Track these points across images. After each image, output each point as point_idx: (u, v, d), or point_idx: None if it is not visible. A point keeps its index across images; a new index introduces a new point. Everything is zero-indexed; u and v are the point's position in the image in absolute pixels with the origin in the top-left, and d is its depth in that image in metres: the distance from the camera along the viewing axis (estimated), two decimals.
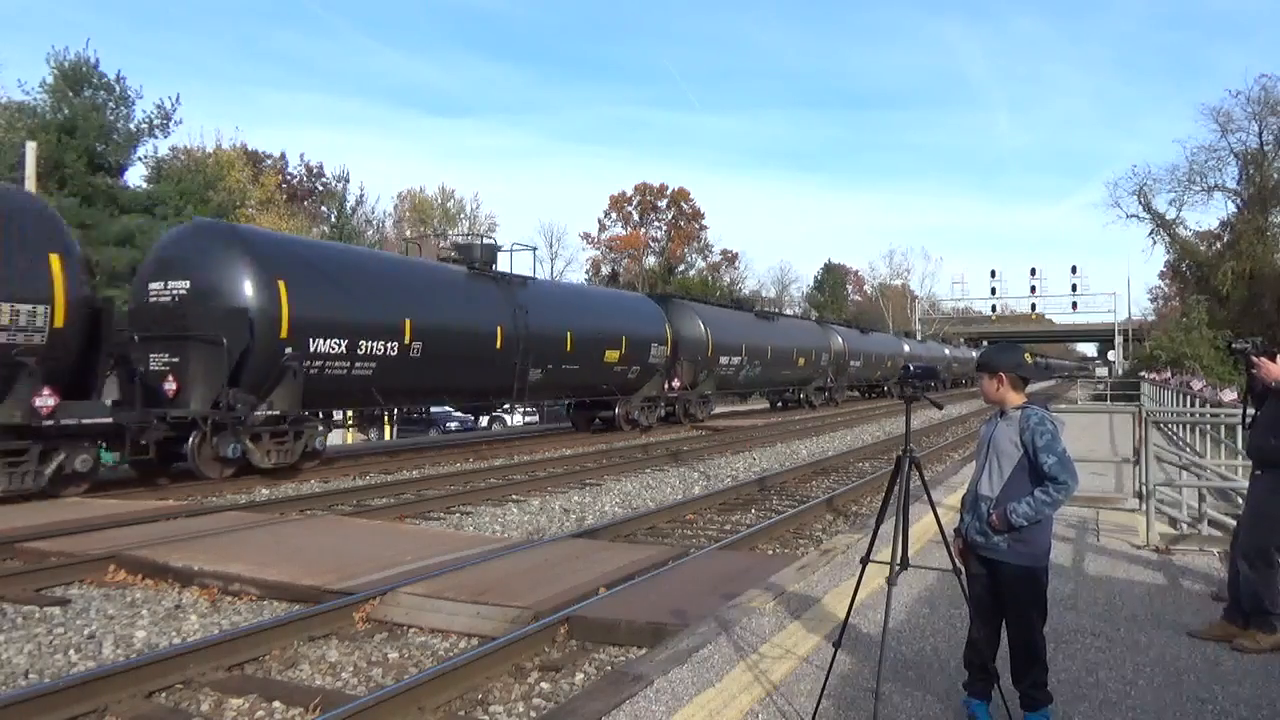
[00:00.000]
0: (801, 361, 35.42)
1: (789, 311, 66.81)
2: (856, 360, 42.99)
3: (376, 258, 19.84)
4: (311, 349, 14.62)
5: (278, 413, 14.27)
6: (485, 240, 22.80)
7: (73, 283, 11.95)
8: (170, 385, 13.52)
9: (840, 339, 41.27)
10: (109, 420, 12.27)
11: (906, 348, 54.48)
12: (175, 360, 13.75)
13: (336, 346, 15.07)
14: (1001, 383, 4.01)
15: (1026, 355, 4.18)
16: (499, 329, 18.82)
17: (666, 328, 25.67)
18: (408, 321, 16.40)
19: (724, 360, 28.83)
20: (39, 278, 11.51)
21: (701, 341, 27.41)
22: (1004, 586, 3.94)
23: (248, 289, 13.88)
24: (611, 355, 22.76)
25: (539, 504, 12.98)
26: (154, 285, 14.24)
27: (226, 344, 13.39)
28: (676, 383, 26.41)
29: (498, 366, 18.99)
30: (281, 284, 14.18)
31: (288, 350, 14.23)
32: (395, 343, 16.13)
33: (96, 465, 12.31)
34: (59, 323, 11.74)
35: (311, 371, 14.69)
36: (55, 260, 11.72)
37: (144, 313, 14.26)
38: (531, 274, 22.39)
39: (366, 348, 15.63)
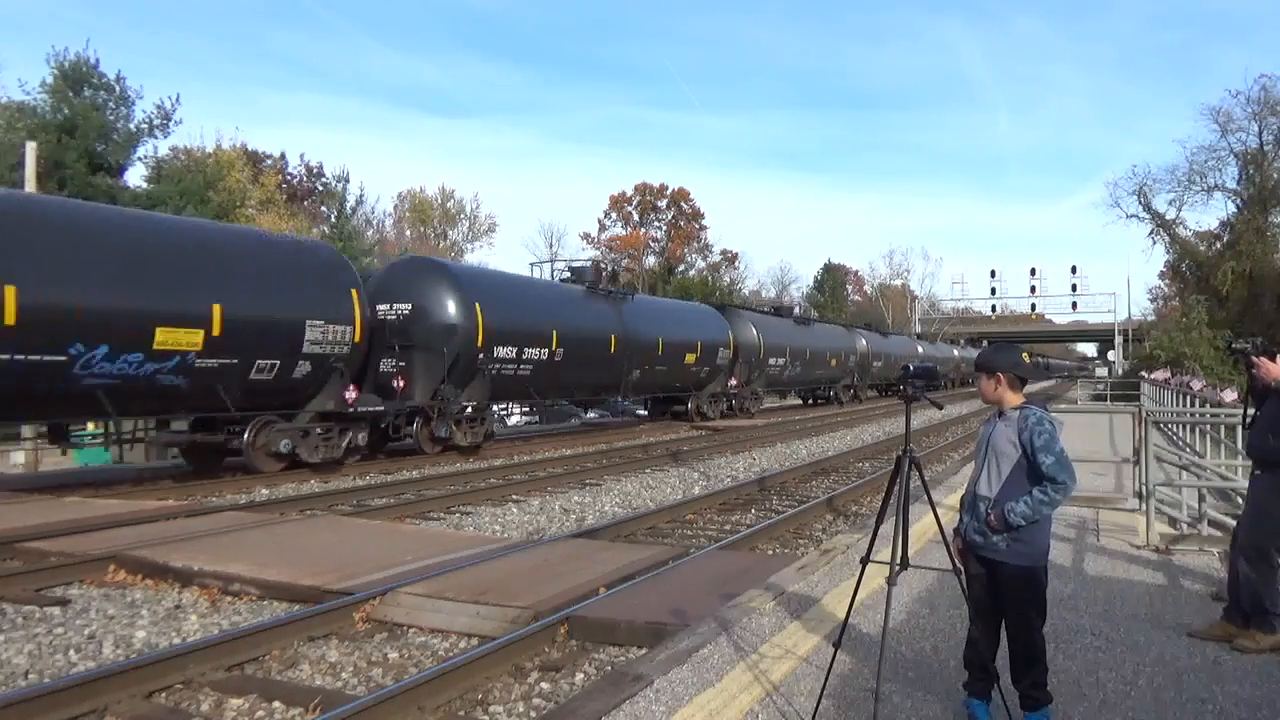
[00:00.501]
0: (833, 362, 39.50)
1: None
2: (879, 361, 46.36)
3: (534, 282, 23.98)
4: (495, 355, 18.80)
5: (474, 404, 18.66)
6: (589, 263, 26.99)
7: (364, 309, 16.27)
8: (399, 383, 17.45)
9: (864, 341, 44.82)
10: (382, 408, 16.66)
11: (920, 349, 58.07)
12: (402, 364, 17.59)
13: (510, 353, 19.21)
14: (1000, 383, 4.02)
15: (1024, 355, 4.18)
16: (612, 337, 22.84)
17: (729, 334, 29.64)
18: (555, 332, 20.49)
19: (772, 361, 32.85)
20: (346, 305, 15.86)
21: (755, 345, 31.30)
22: (1003, 586, 3.94)
23: (455, 310, 18.07)
24: (690, 358, 26.84)
25: (539, 504, 12.98)
26: (381, 306, 18.06)
27: (444, 351, 17.60)
28: (734, 381, 29.96)
29: (610, 367, 23.09)
30: (478, 305, 18.30)
31: (480, 356, 18.38)
32: (545, 349, 20.22)
33: (366, 441, 16.60)
34: (357, 338, 16.02)
35: (493, 372, 18.89)
36: (354, 293, 16.07)
37: (375, 328, 17.77)
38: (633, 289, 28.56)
39: (528, 353, 19.77)
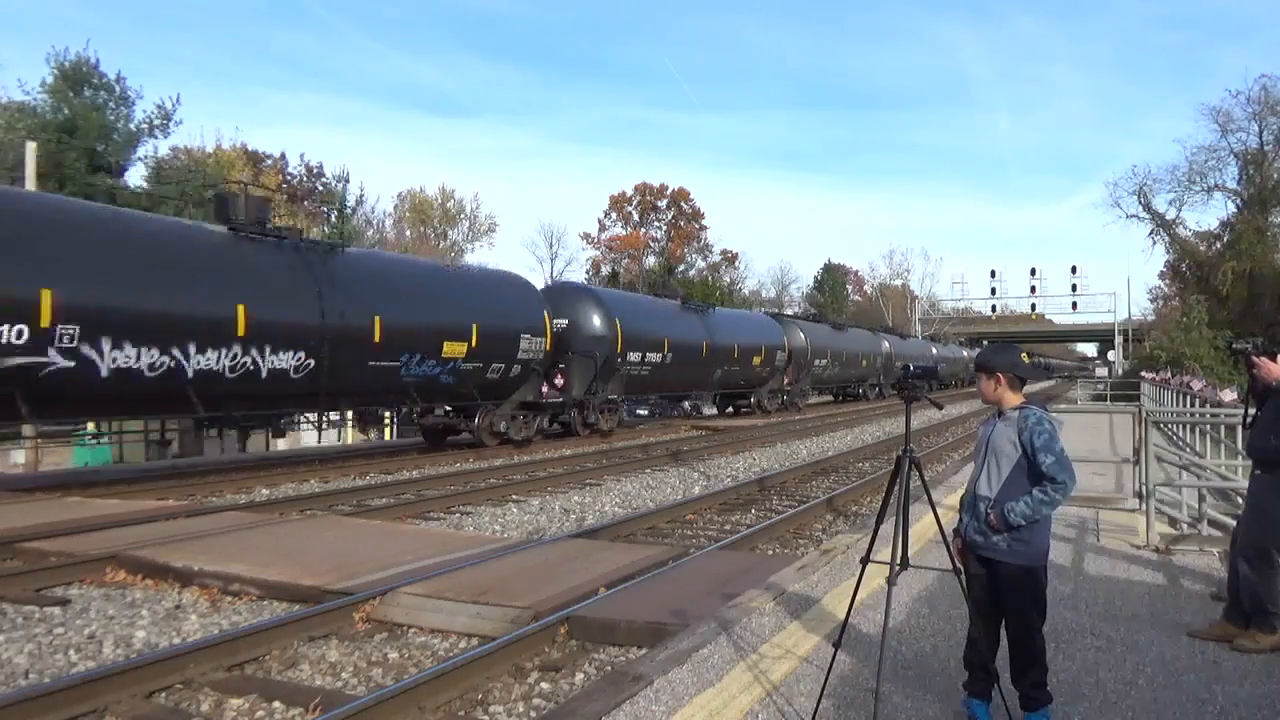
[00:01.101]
0: (864, 363, 44.72)
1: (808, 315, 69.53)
2: (899, 361, 50.23)
3: (652, 300, 29.84)
4: (628, 359, 24.02)
5: (614, 397, 24.18)
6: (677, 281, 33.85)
7: (552, 324, 21.28)
8: (559, 381, 22.16)
9: (888, 344, 49.94)
10: (561, 400, 21.97)
11: (934, 350, 62.73)
12: (563, 366, 22.18)
13: (637, 357, 24.43)
14: (999, 383, 4.02)
15: (1024, 355, 4.18)
16: (704, 344, 28.15)
17: (785, 339, 34.76)
18: (666, 340, 25.85)
19: (818, 363, 38.19)
20: (540, 322, 20.77)
21: (804, 349, 36.47)
22: (1003, 586, 3.94)
23: (601, 324, 23.30)
24: (757, 360, 32.14)
25: (539, 504, 12.98)
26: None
27: (596, 356, 22.76)
28: (787, 379, 35.29)
29: (700, 369, 28.53)
30: (618, 320, 23.54)
31: (619, 359, 23.50)
32: (660, 354, 25.52)
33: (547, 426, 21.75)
34: (548, 347, 20.95)
35: (628, 372, 24.30)
36: (545, 314, 21.10)
37: None
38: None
39: (650, 357, 25.05)
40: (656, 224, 77.76)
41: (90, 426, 16.40)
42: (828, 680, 4.19)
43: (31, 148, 22.31)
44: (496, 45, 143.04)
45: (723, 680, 4.54)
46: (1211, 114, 47.86)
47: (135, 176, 31.93)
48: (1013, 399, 4.01)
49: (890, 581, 3.81)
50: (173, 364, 12.86)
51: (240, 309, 13.75)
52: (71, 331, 11.54)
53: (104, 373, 12.03)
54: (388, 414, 22.18)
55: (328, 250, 16.40)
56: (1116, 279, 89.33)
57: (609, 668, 5.57)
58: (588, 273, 74.39)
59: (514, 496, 13.63)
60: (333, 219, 48.67)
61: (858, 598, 4.43)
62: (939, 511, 4.24)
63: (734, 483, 15.36)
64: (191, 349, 13.09)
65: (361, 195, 67.84)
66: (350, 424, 21.83)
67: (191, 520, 10.36)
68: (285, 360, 14.49)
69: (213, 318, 13.43)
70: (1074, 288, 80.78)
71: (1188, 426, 16.48)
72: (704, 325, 28.76)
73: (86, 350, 11.81)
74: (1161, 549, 7.81)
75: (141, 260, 12.73)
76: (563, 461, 18.29)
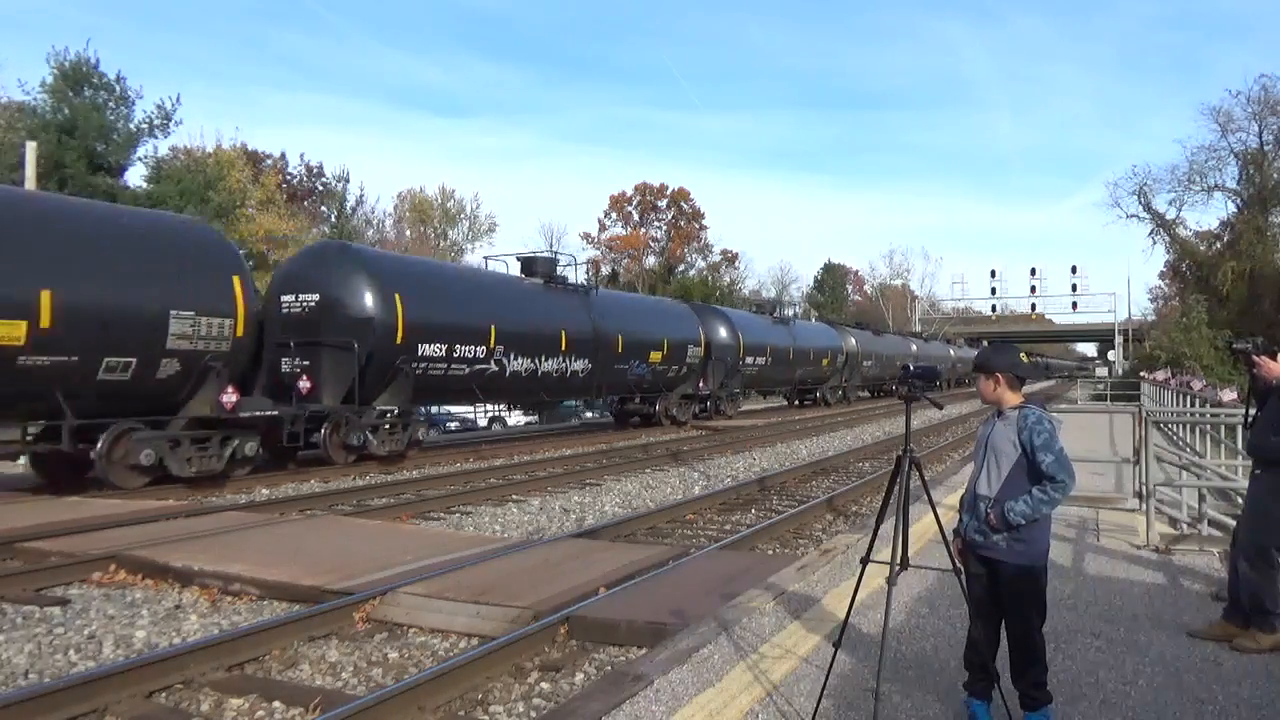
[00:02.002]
0: (898, 364, 47.83)
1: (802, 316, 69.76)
2: (963, 364, 58.34)
3: (758, 316, 36.07)
4: (745, 361, 30.59)
5: (737, 391, 31.79)
6: (772, 297, 37.50)
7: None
8: (702, 381, 28.16)
9: (914, 346, 55.96)
10: (708, 391, 26.29)
11: (952, 352, 65.94)
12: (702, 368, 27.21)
13: (750, 360, 31.48)
14: (999, 383, 4.02)
15: (1022, 355, 4.18)
16: (789, 349, 34.75)
17: (841, 343, 41.82)
18: (769, 346, 32.55)
19: (866, 363, 44.60)
20: (698, 335, 24.88)
21: (856, 352, 43.27)
22: (1003, 586, 3.94)
23: (728, 336, 29.82)
24: (825, 361, 39.47)
25: (539, 504, 12.98)
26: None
27: (726, 360, 29.43)
28: (844, 377, 42.55)
29: (788, 369, 35.44)
30: (740, 333, 29.92)
31: (740, 362, 30.02)
32: (764, 358, 32.15)
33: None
34: (703, 354, 25.34)
35: (744, 372, 31.20)
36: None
37: None
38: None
39: (757, 360, 32.09)
40: (656, 224, 77.74)
41: None
42: (828, 680, 4.19)
43: (31, 148, 22.29)
44: (497, 45, 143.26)
45: (723, 680, 4.54)
46: (1212, 114, 47.98)
47: (135, 176, 31.95)
48: (1012, 399, 4.01)
49: (890, 581, 3.81)
50: (535, 368, 20.51)
51: (562, 333, 21.43)
52: (500, 349, 19.20)
53: (508, 373, 19.63)
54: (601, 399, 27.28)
55: (586, 291, 23.87)
56: (1116, 279, 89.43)
57: (609, 668, 5.57)
58: (588, 273, 74.27)
59: (514, 496, 13.63)
60: (333, 219, 48.67)
61: (858, 598, 4.43)
62: (939, 511, 4.24)
63: (734, 483, 15.36)
64: (542, 359, 20.68)
65: (361, 195, 67.92)
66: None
67: (191, 520, 10.36)
68: (579, 365, 22.08)
69: (549, 338, 20.95)
70: (1074, 288, 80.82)
71: (1188, 426, 16.49)
72: (790, 335, 35.38)
73: (504, 360, 19.37)
74: (1161, 549, 7.81)
75: (518, 305, 20.54)
76: (563, 461, 18.29)
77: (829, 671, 4.20)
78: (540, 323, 20.83)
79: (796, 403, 41.85)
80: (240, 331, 14.02)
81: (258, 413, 14.33)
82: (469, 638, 6.28)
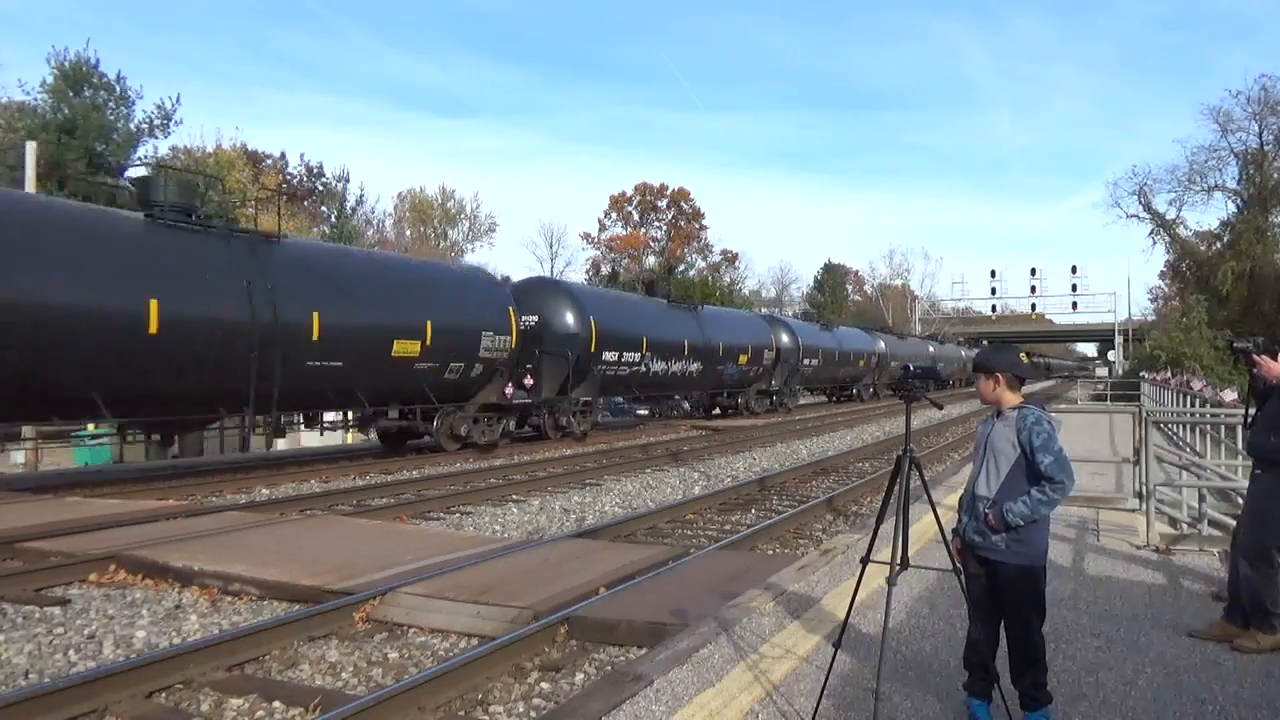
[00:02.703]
0: (861, 363, 49.39)
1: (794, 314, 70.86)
2: (941, 362, 59.71)
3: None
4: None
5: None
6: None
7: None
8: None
9: (932, 349, 61.58)
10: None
11: (963, 353, 69.02)
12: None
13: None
14: (998, 383, 4.02)
15: (1022, 355, 4.18)
16: (835, 351, 38.12)
17: (876, 345, 46.82)
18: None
19: (893, 363, 47.58)
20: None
21: (886, 354, 47.53)
22: (1002, 586, 3.94)
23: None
24: (862, 361, 44.18)
25: (539, 504, 12.98)
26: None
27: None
28: (874, 376, 46.94)
29: (834, 367, 37.73)
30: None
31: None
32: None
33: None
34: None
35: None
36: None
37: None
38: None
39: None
40: (656, 224, 77.76)
41: (90, 427, 16.37)
42: (828, 680, 4.19)
43: (31, 148, 22.29)
44: (497, 45, 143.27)
45: (723, 680, 4.54)
46: (1212, 114, 47.98)
47: (135, 176, 31.93)
48: (1011, 399, 4.01)
49: (890, 581, 3.81)
50: (667, 369, 26.40)
51: (685, 342, 27.30)
52: (650, 355, 24.88)
53: (650, 371, 25.19)
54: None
55: (697, 308, 30.37)
56: (1116, 279, 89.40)
57: (609, 668, 5.57)
58: (588, 273, 74.41)
59: (514, 496, 13.63)
60: (333, 219, 48.67)
61: (858, 598, 4.43)
62: (939, 511, 4.24)
63: (734, 483, 15.36)
64: (672, 361, 26.25)
65: (361, 195, 67.88)
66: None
67: (191, 520, 10.35)
68: (694, 367, 27.87)
69: (676, 346, 26.60)
70: (1074, 288, 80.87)
71: (1188, 426, 16.49)
72: (835, 338, 35.09)
73: (651, 362, 25.05)
74: (1161, 549, 7.81)
75: (659, 321, 26.41)
76: (563, 461, 18.29)
77: (829, 671, 4.20)
78: (669, 334, 26.43)
79: (835, 398, 47.49)
80: (514, 344, 19.79)
81: (520, 401, 20.42)
82: (469, 638, 6.27)
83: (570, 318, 22.15)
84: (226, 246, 14.32)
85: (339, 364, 15.52)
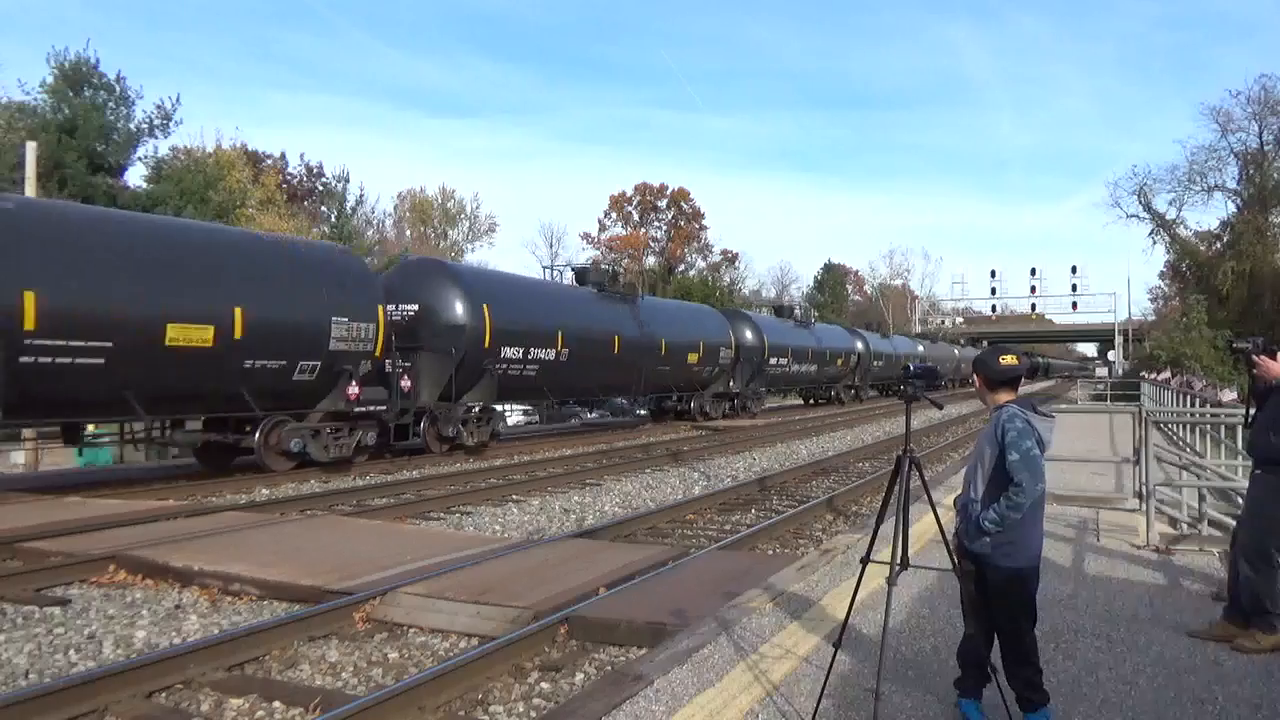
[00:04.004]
0: (839, 362, 46.70)
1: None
2: (965, 364, 61.64)
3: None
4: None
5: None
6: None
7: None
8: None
9: (956, 352, 65.54)
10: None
11: (956, 352, 69.00)
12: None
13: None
14: (980, 383, 4.14)
15: (1004, 359, 4.12)
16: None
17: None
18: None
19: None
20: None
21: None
22: (990, 588, 3.94)
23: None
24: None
25: (539, 504, 12.98)
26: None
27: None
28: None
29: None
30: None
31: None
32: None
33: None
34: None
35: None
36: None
37: None
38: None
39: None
40: (656, 224, 77.74)
41: (90, 428, 16.36)
42: (828, 680, 4.19)
43: (31, 148, 22.29)
44: (498, 45, 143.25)
45: (723, 680, 4.54)
46: (1212, 114, 47.98)
47: (135, 176, 31.96)
48: (996, 398, 4.03)
49: (890, 581, 3.81)
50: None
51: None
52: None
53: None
54: None
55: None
56: (1116, 279, 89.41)
57: (609, 668, 5.57)
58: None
59: (514, 496, 13.63)
60: (333, 219, 48.65)
61: (858, 598, 4.43)
62: (939, 511, 4.24)
63: (734, 483, 15.36)
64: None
65: (361, 195, 67.89)
66: None
67: (191, 520, 10.36)
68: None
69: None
70: (1074, 288, 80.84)
71: (1188, 426, 16.50)
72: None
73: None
74: (1161, 549, 7.81)
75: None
76: (563, 461, 18.28)
77: (829, 671, 4.20)
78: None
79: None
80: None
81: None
82: (469, 638, 6.28)
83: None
84: None
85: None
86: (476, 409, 18.88)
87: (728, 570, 7.65)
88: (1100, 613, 5.88)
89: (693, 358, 27.69)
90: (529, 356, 20.08)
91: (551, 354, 20.77)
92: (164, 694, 5.24)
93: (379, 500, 13.12)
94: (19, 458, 20.52)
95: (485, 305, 18.77)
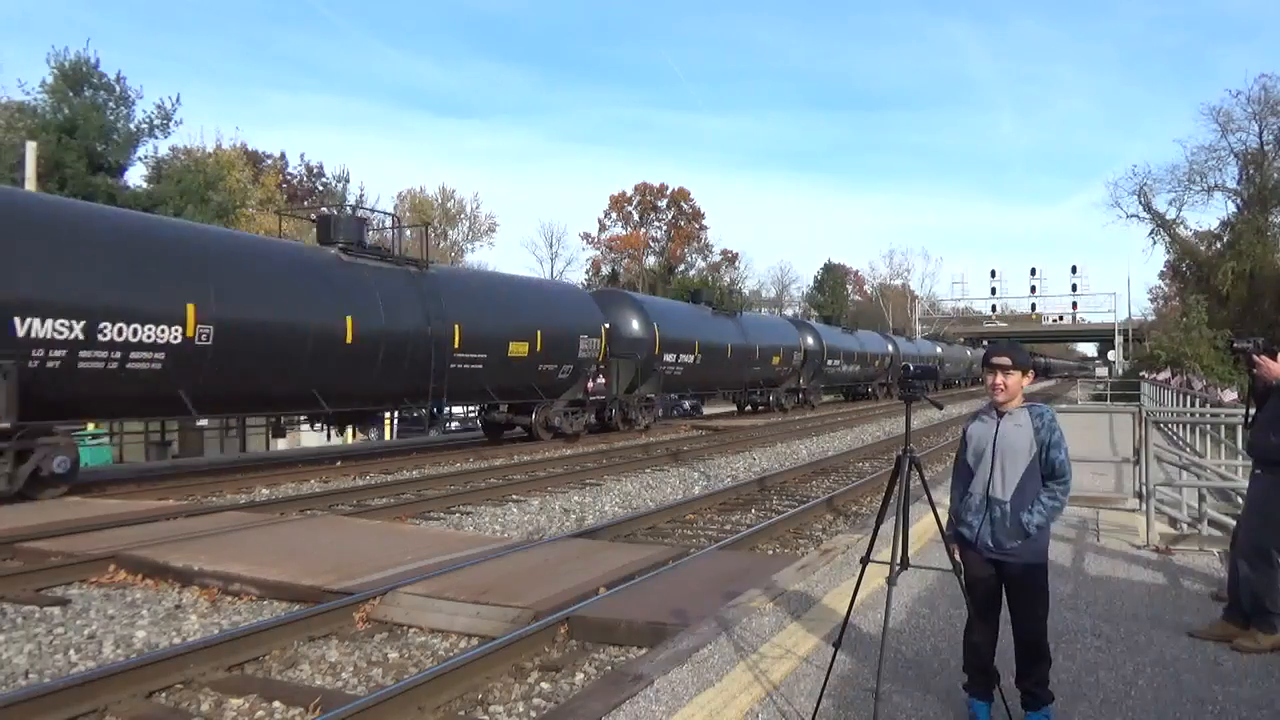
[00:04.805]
0: (878, 364, 51.01)
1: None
2: (948, 363, 64.29)
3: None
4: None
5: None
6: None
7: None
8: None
9: (939, 349, 64.20)
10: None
11: (969, 353, 72.08)
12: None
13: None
14: (1023, 378, 4.00)
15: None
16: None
17: (888, 347, 49.96)
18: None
19: (831, 362, 45.74)
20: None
21: (817, 350, 44.35)
22: (1014, 585, 3.95)
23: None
24: (877, 362, 47.06)
25: (539, 504, 12.98)
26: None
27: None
28: (889, 376, 49.02)
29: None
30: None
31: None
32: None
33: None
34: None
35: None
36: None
37: None
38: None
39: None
40: (656, 224, 77.77)
41: (90, 427, 16.39)
42: (828, 680, 4.19)
43: (31, 148, 22.29)
44: (498, 45, 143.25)
45: (723, 680, 4.54)
46: (1212, 114, 47.97)
47: (135, 176, 31.95)
48: (1020, 394, 4.03)
49: (890, 581, 3.81)
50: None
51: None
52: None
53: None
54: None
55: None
56: (1116, 279, 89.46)
57: (609, 668, 5.57)
58: (588, 273, 74.46)
59: (514, 496, 13.63)
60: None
61: (858, 598, 4.43)
62: (939, 511, 4.24)
63: (734, 483, 15.36)
64: None
65: (361, 195, 67.77)
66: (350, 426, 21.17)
67: (191, 520, 10.35)
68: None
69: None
70: (1074, 288, 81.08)
71: (1188, 426, 16.49)
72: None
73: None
74: (1161, 549, 7.81)
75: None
76: (563, 461, 18.28)
77: (829, 671, 4.20)
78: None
79: (849, 396, 48.48)
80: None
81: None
82: (469, 638, 6.27)
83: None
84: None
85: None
86: (646, 398, 25.44)
87: (728, 570, 7.65)
88: (1100, 613, 5.88)
89: (776, 360, 34.14)
90: (679, 360, 26.70)
91: (691, 358, 27.38)
92: (164, 694, 5.24)
93: (379, 500, 13.11)
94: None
95: (656, 323, 25.47)
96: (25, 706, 4.64)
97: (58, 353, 11.79)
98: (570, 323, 21.96)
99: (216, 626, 6.63)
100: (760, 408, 36.22)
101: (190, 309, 13.24)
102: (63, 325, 11.80)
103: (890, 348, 50.90)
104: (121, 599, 7.36)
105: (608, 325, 23.78)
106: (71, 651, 6.08)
